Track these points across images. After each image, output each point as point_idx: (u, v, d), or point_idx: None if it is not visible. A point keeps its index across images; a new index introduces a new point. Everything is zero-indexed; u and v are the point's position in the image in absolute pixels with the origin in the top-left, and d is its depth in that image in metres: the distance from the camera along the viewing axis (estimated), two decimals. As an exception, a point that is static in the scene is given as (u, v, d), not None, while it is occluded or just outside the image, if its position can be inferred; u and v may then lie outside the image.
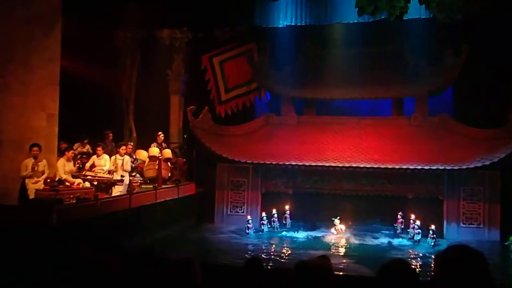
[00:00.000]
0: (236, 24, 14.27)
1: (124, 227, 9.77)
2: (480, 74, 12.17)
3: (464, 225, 11.89)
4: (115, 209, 9.80)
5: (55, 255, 4.18)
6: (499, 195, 11.69)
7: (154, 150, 12.28)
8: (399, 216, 12.18)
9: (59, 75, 10.32)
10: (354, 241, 11.47)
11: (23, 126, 9.68)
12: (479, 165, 11.26)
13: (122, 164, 10.91)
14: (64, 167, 10.08)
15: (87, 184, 10.39)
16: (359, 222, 12.56)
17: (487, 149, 11.52)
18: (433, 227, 11.14)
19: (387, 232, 12.28)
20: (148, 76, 15.17)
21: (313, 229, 12.55)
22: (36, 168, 9.40)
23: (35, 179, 9.38)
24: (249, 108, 15.13)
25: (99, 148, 11.06)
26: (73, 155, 10.67)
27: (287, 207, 12.77)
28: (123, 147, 11.18)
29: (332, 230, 11.90)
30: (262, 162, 12.65)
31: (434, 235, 11.07)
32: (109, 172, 10.84)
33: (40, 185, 9.27)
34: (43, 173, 9.52)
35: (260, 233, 12.24)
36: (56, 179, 9.63)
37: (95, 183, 10.50)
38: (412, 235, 11.52)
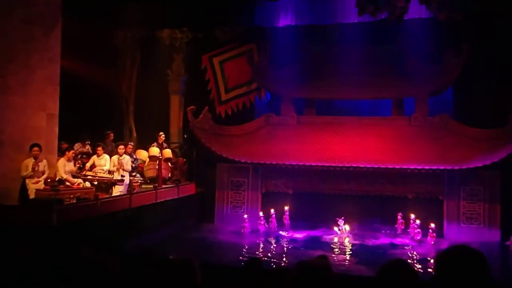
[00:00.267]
0: (236, 24, 14.28)
1: (124, 227, 9.77)
2: (480, 74, 12.16)
3: (464, 225, 11.88)
4: (115, 209, 9.80)
5: (55, 255, 4.18)
6: (499, 195, 11.69)
7: (154, 150, 12.28)
8: (399, 216, 12.18)
9: (59, 75, 10.31)
10: (354, 241, 11.47)
11: (23, 126, 9.67)
12: (479, 165, 11.25)
13: (122, 163, 10.91)
14: (65, 167, 10.07)
15: (87, 184, 10.40)
16: (359, 222, 12.56)
17: (487, 149, 11.52)
18: (432, 226, 11.15)
19: (387, 232, 12.29)
20: (148, 76, 15.17)
21: (313, 229, 12.55)
22: (36, 168, 9.40)
23: (36, 179, 9.38)
24: (249, 108, 15.13)
25: (99, 148, 11.07)
26: (73, 155, 10.67)
27: (286, 207, 12.77)
28: (121, 146, 11.19)
29: (336, 229, 11.88)
30: (262, 162, 12.66)
31: (434, 235, 11.08)
32: (109, 172, 10.85)
33: (41, 185, 9.27)
34: (43, 173, 9.52)
35: (257, 233, 12.21)
36: (57, 179, 9.63)
37: (95, 183, 10.51)
38: (412, 235, 11.53)
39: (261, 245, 11.09)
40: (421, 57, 13.05)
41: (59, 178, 9.71)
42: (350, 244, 11.16)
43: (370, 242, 11.48)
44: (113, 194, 10.52)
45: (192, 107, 13.39)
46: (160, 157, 12.27)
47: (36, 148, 9.36)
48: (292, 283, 2.22)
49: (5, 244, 4.92)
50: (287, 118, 13.72)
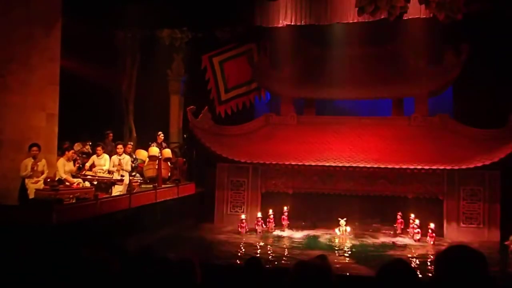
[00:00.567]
0: (236, 24, 14.27)
1: (124, 227, 9.76)
2: (480, 74, 12.16)
3: (464, 225, 11.89)
4: (115, 209, 9.80)
5: (55, 255, 4.18)
6: (499, 195, 11.70)
7: (154, 150, 12.28)
8: (399, 216, 12.19)
9: (59, 75, 10.30)
10: (354, 241, 11.47)
11: (23, 126, 9.67)
12: (479, 165, 11.26)
13: (122, 164, 10.90)
14: (64, 167, 10.07)
15: (87, 183, 10.39)
16: (359, 222, 12.57)
17: (487, 149, 11.52)
18: (432, 226, 11.15)
19: (387, 232, 12.29)
20: (148, 76, 15.17)
21: (312, 228, 12.55)
22: (35, 168, 9.38)
23: (35, 179, 9.36)
24: (249, 108, 15.14)
25: (99, 148, 11.06)
26: (73, 155, 10.66)
27: (285, 208, 12.76)
28: (120, 146, 11.18)
29: (336, 230, 11.87)
30: (262, 162, 12.66)
31: (434, 235, 11.08)
32: (109, 172, 10.84)
33: (40, 185, 9.26)
34: (42, 172, 9.51)
35: (254, 233, 12.20)
36: (56, 178, 9.62)
37: (95, 182, 10.50)
38: (411, 234, 11.54)
39: (260, 245, 11.08)
40: (421, 57, 13.06)
41: (59, 178, 9.70)
42: (350, 244, 11.16)
43: (370, 242, 11.48)
44: (113, 194, 10.52)
45: (192, 107, 13.40)
46: (160, 157, 12.27)
47: (35, 148, 9.35)
48: (292, 283, 2.21)
49: (5, 244, 4.93)
50: (287, 118, 13.73)
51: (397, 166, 11.80)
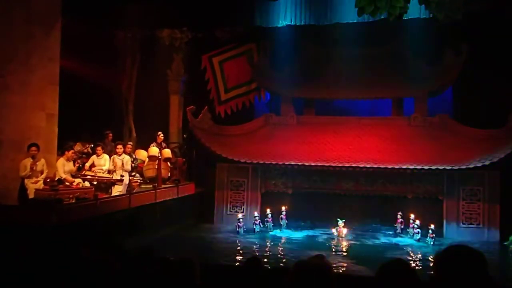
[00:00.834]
0: (236, 24, 14.25)
1: (124, 227, 9.76)
2: (480, 74, 12.16)
3: (463, 225, 11.90)
4: (115, 209, 9.80)
5: (55, 255, 4.18)
6: (499, 195, 11.71)
7: (154, 150, 12.28)
8: (398, 216, 12.19)
9: (59, 75, 10.31)
10: (354, 241, 11.47)
11: (23, 126, 9.67)
12: (478, 165, 11.26)
13: (122, 163, 10.91)
14: (64, 167, 10.07)
15: (87, 183, 10.39)
16: (358, 222, 12.57)
17: (487, 149, 11.53)
18: (432, 226, 11.16)
19: (386, 232, 12.30)
20: (148, 76, 15.16)
21: (312, 228, 12.55)
22: (34, 168, 9.39)
23: (34, 179, 9.37)
24: (248, 108, 15.13)
25: (99, 148, 11.07)
26: (73, 155, 10.67)
27: (283, 207, 12.76)
28: (119, 146, 11.18)
29: (333, 230, 11.86)
30: (262, 162, 12.66)
31: (433, 235, 11.09)
32: (109, 171, 10.84)
33: (40, 185, 9.27)
34: (41, 172, 9.51)
35: (252, 233, 12.20)
36: (56, 178, 9.63)
37: (95, 182, 10.50)
38: (411, 235, 11.54)
39: (258, 245, 11.08)
40: (421, 57, 13.05)
41: (59, 178, 9.71)
42: (349, 244, 11.16)
43: (370, 242, 11.48)
44: (113, 194, 10.52)
45: (191, 107, 13.40)
46: (160, 157, 12.27)
47: (34, 148, 9.36)
48: (292, 282, 2.22)
49: (5, 244, 4.92)
50: (286, 118, 13.73)
51: (397, 166, 11.80)
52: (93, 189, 9.98)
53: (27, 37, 9.73)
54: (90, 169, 10.79)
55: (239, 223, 12.18)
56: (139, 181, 12.12)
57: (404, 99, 13.58)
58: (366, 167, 11.95)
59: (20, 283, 3.55)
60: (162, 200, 11.68)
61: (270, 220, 12.58)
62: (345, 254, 10.36)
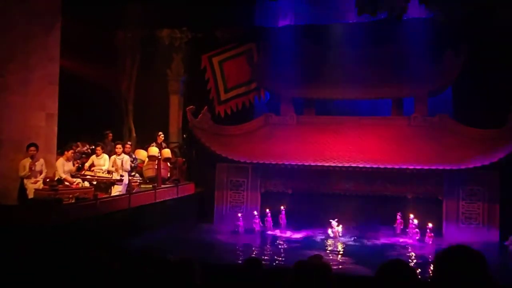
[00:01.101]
0: (236, 24, 14.26)
1: (124, 227, 9.77)
2: (480, 74, 12.16)
3: (463, 225, 11.88)
4: (115, 209, 9.80)
5: (54, 255, 4.18)
6: (499, 195, 11.69)
7: (154, 150, 12.28)
8: (398, 216, 12.18)
9: (58, 75, 10.32)
10: (353, 241, 11.47)
11: (23, 125, 9.68)
12: (478, 165, 11.26)
13: (122, 163, 10.91)
14: (63, 167, 10.07)
15: (87, 183, 10.39)
16: (358, 222, 12.55)
17: (486, 149, 11.52)
18: (430, 225, 11.16)
19: (386, 232, 12.28)
20: (148, 76, 15.16)
21: (312, 228, 12.54)
22: (33, 168, 9.39)
23: (33, 179, 9.38)
24: (248, 108, 15.11)
25: (98, 148, 11.07)
26: (72, 155, 10.67)
27: (282, 207, 12.76)
28: (119, 146, 11.18)
29: (329, 231, 11.85)
30: (262, 162, 12.65)
31: (432, 234, 11.09)
32: (108, 171, 10.84)
33: (39, 185, 9.27)
34: (41, 172, 9.52)
35: (251, 233, 12.19)
36: (56, 178, 9.63)
37: (95, 182, 10.50)
38: (411, 235, 11.53)
39: (258, 245, 11.09)
40: (421, 57, 13.02)
41: (58, 178, 9.71)
42: (348, 244, 11.15)
43: (369, 242, 11.48)
44: (112, 194, 10.52)
45: (191, 107, 13.39)
46: (159, 157, 12.27)
47: (32, 148, 9.36)
48: (292, 282, 2.22)
49: (4, 244, 4.92)
50: (286, 118, 13.71)
51: (396, 166, 11.79)
52: (93, 189, 9.98)
53: (27, 37, 9.74)
54: (89, 169, 10.79)
55: (239, 223, 12.16)
56: (138, 181, 12.12)
57: (404, 99, 13.56)
58: (366, 167, 11.95)
59: (20, 283, 3.55)
60: (162, 200, 11.68)
61: (269, 220, 12.58)
62: (345, 253, 10.36)
